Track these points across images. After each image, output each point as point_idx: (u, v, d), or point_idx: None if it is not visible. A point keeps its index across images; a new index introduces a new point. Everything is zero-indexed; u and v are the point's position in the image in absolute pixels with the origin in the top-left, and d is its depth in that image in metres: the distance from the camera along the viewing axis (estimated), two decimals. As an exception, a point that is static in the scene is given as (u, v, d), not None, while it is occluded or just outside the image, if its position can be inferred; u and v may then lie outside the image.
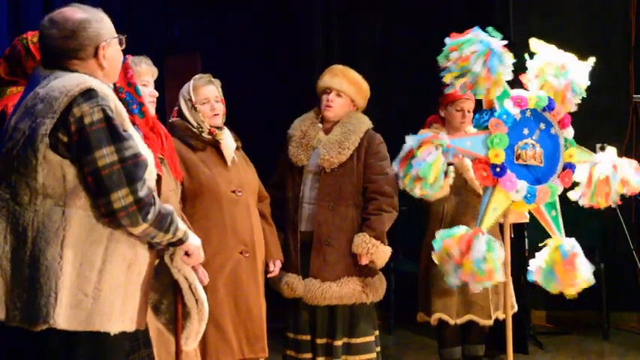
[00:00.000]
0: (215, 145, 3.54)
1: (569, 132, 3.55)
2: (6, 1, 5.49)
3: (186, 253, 2.56)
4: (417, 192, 3.28)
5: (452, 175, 3.84)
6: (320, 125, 3.92)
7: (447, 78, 3.32)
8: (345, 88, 3.89)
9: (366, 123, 3.93)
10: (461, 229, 3.35)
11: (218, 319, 3.40)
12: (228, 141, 3.56)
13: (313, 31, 5.98)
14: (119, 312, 2.27)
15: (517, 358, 4.54)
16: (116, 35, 2.41)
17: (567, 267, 3.43)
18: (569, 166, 3.53)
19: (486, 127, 3.39)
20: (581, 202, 3.58)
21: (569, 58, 3.54)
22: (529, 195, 3.41)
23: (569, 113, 3.57)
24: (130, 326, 2.32)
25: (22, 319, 2.18)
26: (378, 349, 3.99)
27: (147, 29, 6.02)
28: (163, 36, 6.17)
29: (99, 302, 2.22)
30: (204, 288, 3.32)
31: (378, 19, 6.08)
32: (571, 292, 3.49)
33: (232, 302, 3.48)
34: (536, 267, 3.49)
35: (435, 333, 4.28)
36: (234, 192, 3.53)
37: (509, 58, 3.32)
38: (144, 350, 2.61)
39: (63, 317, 2.17)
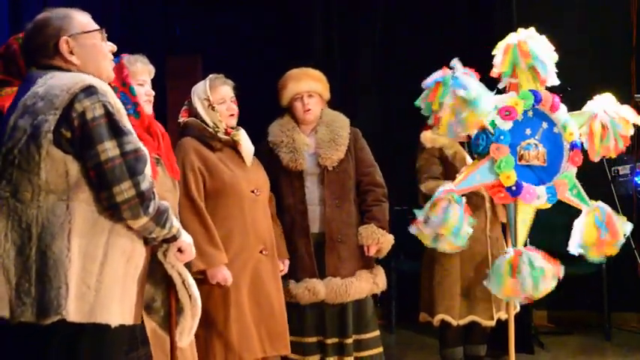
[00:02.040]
0: (232, 146, 3.57)
1: (563, 112, 3.54)
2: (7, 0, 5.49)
3: (179, 250, 2.59)
4: (444, 247, 3.37)
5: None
6: (298, 129, 3.94)
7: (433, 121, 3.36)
8: (314, 86, 3.94)
9: (347, 119, 4.00)
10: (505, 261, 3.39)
11: (241, 317, 3.44)
12: (246, 141, 3.60)
13: (314, 32, 5.98)
14: (118, 305, 2.30)
15: (520, 358, 4.54)
16: (88, 30, 2.41)
17: (606, 236, 3.51)
18: (575, 145, 3.52)
19: (487, 153, 3.40)
20: (594, 159, 3.61)
21: (529, 38, 3.48)
22: (550, 195, 3.43)
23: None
24: (129, 319, 2.35)
25: (31, 314, 2.20)
26: None
27: (148, 29, 6.01)
28: (164, 36, 6.16)
29: (100, 294, 2.25)
30: (228, 288, 3.37)
31: (379, 19, 6.08)
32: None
33: (254, 300, 3.51)
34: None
35: (437, 333, 4.28)
36: (253, 192, 3.56)
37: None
38: (142, 349, 2.62)
39: (72, 309, 2.20)
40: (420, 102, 3.35)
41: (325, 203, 3.85)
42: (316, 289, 3.79)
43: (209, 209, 3.43)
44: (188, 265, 2.74)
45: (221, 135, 3.54)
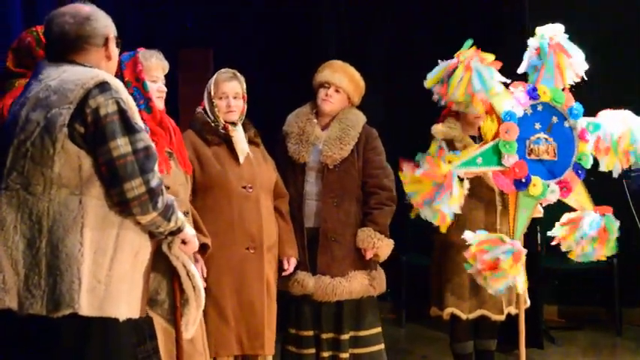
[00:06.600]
0: (229, 141, 3.56)
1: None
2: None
3: (183, 242, 2.65)
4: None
5: (466, 185, 3.87)
6: (315, 121, 3.92)
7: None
8: (345, 85, 3.90)
9: (363, 118, 3.95)
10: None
11: (219, 313, 3.44)
12: (240, 137, 3.58)
13: (325, 25, 5.99)
14: (126, 298, 2.35)
15: (531, 353, 4.55)
16: (116, 35, 2.51)
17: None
18: None
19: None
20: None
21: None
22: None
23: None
24: (135, 313, 2.40)
25: (41, 306, 2.23)
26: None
27: (160, 22, 6.03)
28: (177, 29, 6.18)
29: (110, 288, 2.30)
30: (208, 281, 3.34)
31: (388, 17, 6.07)
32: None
33: (235, 297, 3.50)
34: None
35: (447, 327, 4.29)
36: (244, 187, 3.54)
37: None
38: (149, 343, 2.64)
39: (85, 303, 2.24)
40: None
41: (321, 200, 3.84)
42: (305, 281, 3.79)
43: (197, 203, 3.42)
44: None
45: (220, 130, 3.55)
